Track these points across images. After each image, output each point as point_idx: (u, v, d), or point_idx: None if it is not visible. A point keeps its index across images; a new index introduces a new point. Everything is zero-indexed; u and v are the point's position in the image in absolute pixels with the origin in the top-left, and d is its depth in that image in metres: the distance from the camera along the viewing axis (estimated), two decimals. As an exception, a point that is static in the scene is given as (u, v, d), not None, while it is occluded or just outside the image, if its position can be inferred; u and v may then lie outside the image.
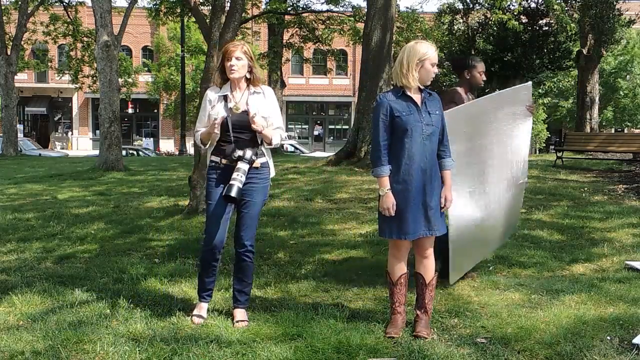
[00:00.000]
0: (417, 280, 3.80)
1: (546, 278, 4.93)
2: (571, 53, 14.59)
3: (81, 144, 40.40)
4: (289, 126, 41.65)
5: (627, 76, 34.34)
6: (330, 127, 42.78)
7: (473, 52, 12.56)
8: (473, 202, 4.52)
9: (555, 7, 10.68)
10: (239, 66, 3.82)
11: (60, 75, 27.96)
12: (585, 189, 9.42)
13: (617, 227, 6.76)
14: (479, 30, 12.57)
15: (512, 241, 6.17)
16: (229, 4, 7.96)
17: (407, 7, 31.38)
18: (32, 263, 5.72)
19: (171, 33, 36.38)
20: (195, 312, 3.96)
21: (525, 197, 8.56)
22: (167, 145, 39.76)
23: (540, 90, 21.76)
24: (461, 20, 13.03)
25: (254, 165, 3.83)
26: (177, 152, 32.59)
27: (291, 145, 30.34)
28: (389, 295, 3.86)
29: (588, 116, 18.66)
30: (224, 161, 3.86)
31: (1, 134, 23.77)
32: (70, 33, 24.34)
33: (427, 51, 3.64)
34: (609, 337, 3.51)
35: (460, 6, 13.12)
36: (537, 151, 32.65)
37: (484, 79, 5.00)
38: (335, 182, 10.00)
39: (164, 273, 5.12)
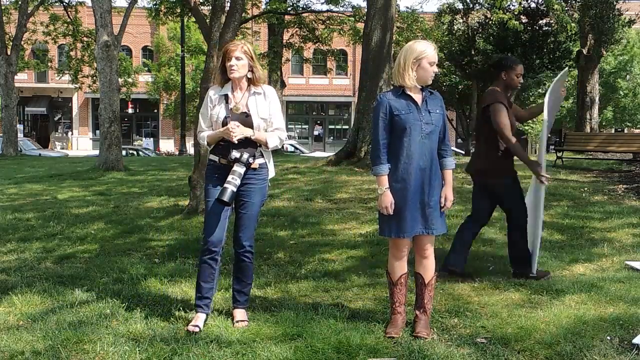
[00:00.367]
0: (417, 280, 3.80)
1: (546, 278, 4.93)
2: (571, 53, 14.58)
3: (81, 144, 40.40)
4: (289, 126, 41.65)
5: (627, 76, 34.34)
6: (330, 127, 42.78)
7: (473, 52, 12.54)
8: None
9: (556, 6, 10.66)
10: (239, 66, 3.80)
11: (60, 75, 27.95)
12: (585, 189, 9.42)
13: (617, 227, 6.75)
14: (479, 30, 12.57)
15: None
16: (229, 4, 7.96)
17: (407, 7, 31.38)
18: (32, 263, 5.72)
19: (171, 33, 36.38)
20: (191, 322, 3.78)
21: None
22: (167, 145, 39.76)
23: (540, 90, 21.76)
24: (461, 20, 13.03)
25: (252, 166, 3.80)
26: (177, 152, 32.59)
27: (291, 145, 30.34)
28: (389, 295, 3.86)
29: (588, 116, 18.66)
30: (222, 161, 3.84)
31: (1, 134, 23.77)
32: (70, 33, 24.34)
33: (424, 50, 3.63)
34: (609, 337, 3.51)
35: (460, 6, 13.11)
36: (537, 151, 32.64)
37: (521, 81, 5.00)
38: (335, 182, 10.00)
39: (164, 273, 5.12)
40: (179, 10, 19.36)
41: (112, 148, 14.20)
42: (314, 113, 42.98)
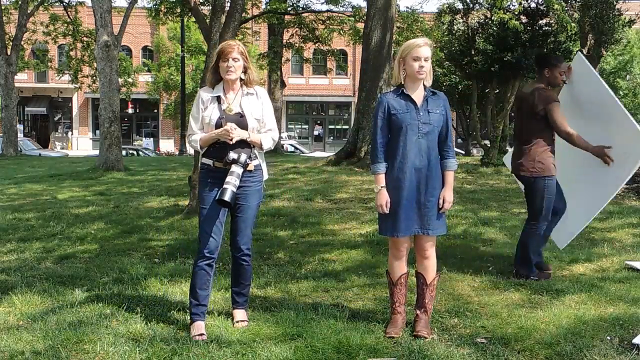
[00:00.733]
0: (418, 280, 3.80)
1: (546, 278, 4.93)
2: (571, 53, 14.57)
3: (81, 144, 40.39)
4: (289, 126, 41.67)
5: (627, 76, 34.34)
6: (330, 127, 42.77)
7: (473, 52, 12.51)
8: None
9: (556, 6, 10.64)
10: (236, 67, 3.74)
11: (60, 75, 27.94)
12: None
13: (617, 227, 6.75)
14: (479, 30, 12.53)
15: (512, 241, 6.17)
16: (229, 4, 7.97)
17: (407, 7, 31.38)
18: (32, 263, 5.72)
19: (171, 33, 36.36)
20: (194, 332, 3.68)
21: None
22: (167, 145, 39.75)
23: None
24: (461, 20, 12.99)
25: (248, 167, 3.74)
26: (177, 152, 32.59)
27: (291, 145, 30.36)
28: (389, 295, 3.86)
29: (588, 116, 18.57)
30: (217, 164, 3.75)
31: (1, 134, 23.77)
32: (70, 33, 24.33)
33: (409, 45, 3.63)
34: (609, 337, 3.51)
35: (460, 6, 13.07)
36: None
37: (564, 79, 4.98)
38: (335, 182, 10.00)
39: (164, 273, 5.12)
40: (179, 10, 19.35)
41: (112, 148, 14.19)
42: (314, 113, 42.97)
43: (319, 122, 42.87)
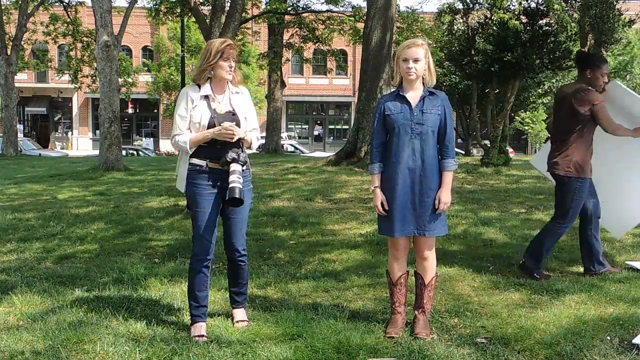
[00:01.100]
0: (417, 280, 3.80)
1: (546, 278, 4.93)
2: (571, 53, 14.56)
3: (81, 144, 40.41)
4: (289, 126, 41.67)
5: (627, 76, 34.35)
6: (330, 127, 42.78)
7: (473, 52, 12.51)
8: None
9: (556, 6, 10.63)
10: (234, 67, 3.76)
11: (60, 75, 27.95)
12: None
13: (617, 227, 6.74)
14: (479, 30, 12.52)
15: (512, 241, 6.18)
16: (229, 4, 7.97)
17: (407, 7, 31.38)
18: (32, 263, 5.72)
19: (171, 33, 36.35)
20: (195, 333, 3.68)
21: (525, 197, 8.61)
22: (167, 145, 39.68)
23: (540, 90, 21.73)
24: (461, 20, 12.98)
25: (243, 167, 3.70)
26: (177, 152, 32.54)
27: (291, 145, 30.35)
28: (389, 295, 3.86)
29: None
30: (211, 164, 3.69)
31: (1, 134, 23.77)
32: (70, 33, 24.34)
33: (401, 46, 3.69)
34: (609, 337, 3.51)
35: (460, 6, 13.07)
36: (537, 151, 32.65)
37: (606, 81, 4.94)
38: (335, 182, 10.00)
39: (164, 273, 5.13)
40: (179, 10, 19.34)
41: (112, 148, 14.18)
42: (314, 113, 42.98)
43: (319, 122, 42.88)
